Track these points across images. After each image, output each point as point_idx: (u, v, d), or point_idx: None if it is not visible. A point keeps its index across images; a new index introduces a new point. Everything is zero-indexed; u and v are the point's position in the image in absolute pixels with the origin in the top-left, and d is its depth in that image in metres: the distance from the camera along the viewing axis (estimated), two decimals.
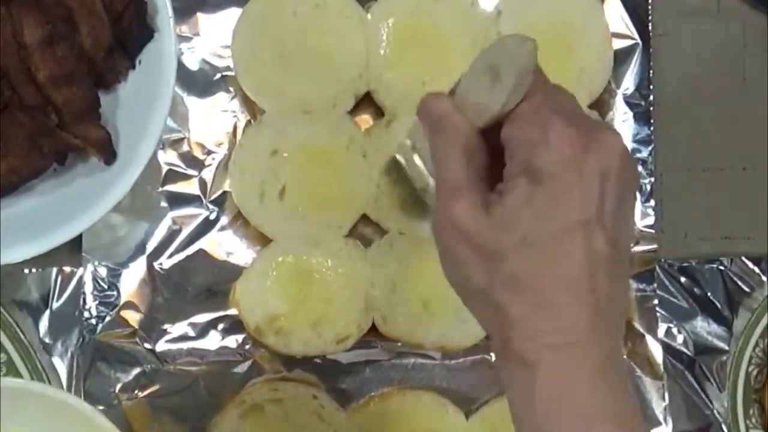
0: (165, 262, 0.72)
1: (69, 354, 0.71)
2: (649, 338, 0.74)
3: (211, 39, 0.73)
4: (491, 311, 0.49)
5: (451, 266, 0.51)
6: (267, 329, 0.70)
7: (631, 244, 0.51)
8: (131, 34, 0.66)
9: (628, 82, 0.74)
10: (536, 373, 0.47)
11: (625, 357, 0.74)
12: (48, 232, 0.65)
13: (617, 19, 0.74)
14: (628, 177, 0.50)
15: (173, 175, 0.72)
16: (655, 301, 0.74)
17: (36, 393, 0.63)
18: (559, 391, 0.47)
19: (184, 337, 0.71)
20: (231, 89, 0.73)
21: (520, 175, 0.49)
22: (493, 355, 0.73)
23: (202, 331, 0.72)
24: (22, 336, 0.70)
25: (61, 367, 0.70)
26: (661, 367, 0.73)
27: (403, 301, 0.71)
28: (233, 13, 0.72)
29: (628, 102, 0.74)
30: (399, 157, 0.66)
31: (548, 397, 0.47)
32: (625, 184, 0.49)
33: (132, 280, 0.71)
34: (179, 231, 0.72)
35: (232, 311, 0.72)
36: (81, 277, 0.71)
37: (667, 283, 0.75)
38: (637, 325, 0.74)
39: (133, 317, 0.71)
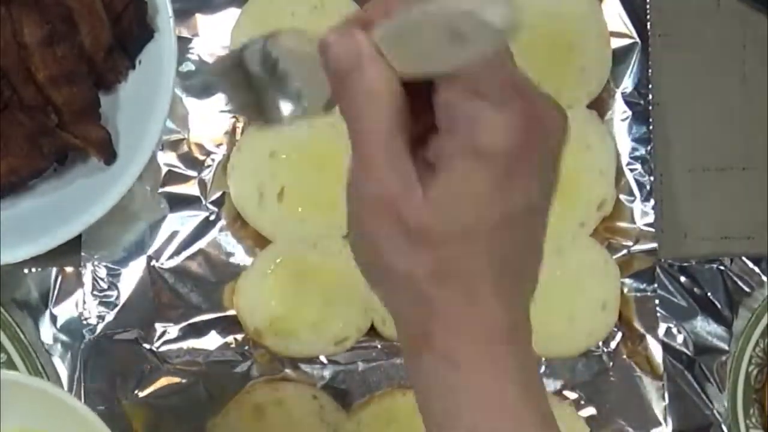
0: (165, 263, 0.72)
1: (69, 354, 0.71)
2: (649, 338, 0.73)
3: (210, 40, 0.73)
4: (411, 300, 0.43)
5: (367, 246, 0.44)
6: (266, 330, 0.70)
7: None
8: (131, 34, 0.66)
9: (627, 82, 0.74)
10: (461, 372, 0.43)
11: (624, 357, 0.74)
12: (48, 232, 0.65)
13: (616, 18, 0.74)
14: (562, 150, 0.44)
15: (173, 176, 0.72)
16: (656, 301, 0.74)
17: (34, 388, 0.63)
18: (481, 392, 0.43)
19: (184, 337, 0.71)
20: None
21: (462, 152, 0.41)
22: None
23: (202, 331, 0.72)
24: (22, 336, 0.70)
25: (61, 367, 0.71)
26: (661, 367, 0.73)
27: None
28: (232, 14, 0.72)
29: (627, 101, 0.74)
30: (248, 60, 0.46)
31: (470, 397, 0.43)
32: (560, 159, 0.44)
33: (132, 280, 0.71)
34: (179, 231, 0.72)
35: (232, 311, 0.72)
36: (81, 277, 0.71)
37: (667, 283, 0.74)
38: (637, 325, 0.74)
39: (133, 317, 0.71)
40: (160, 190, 0.72)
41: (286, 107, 0.44)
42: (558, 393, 0.73)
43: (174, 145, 0.72)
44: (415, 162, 0.42)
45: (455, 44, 0.39)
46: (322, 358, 0.72)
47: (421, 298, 0.43)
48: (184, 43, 0.72)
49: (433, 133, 0.43)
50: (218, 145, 0.73)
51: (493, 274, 0.43)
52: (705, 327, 0.75)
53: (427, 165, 0.42)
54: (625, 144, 0.74)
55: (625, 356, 0.74)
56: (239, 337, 0.72)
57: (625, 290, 0.74)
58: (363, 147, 0.42)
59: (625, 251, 0.74)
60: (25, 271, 0.71)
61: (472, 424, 0.43)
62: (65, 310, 0.71)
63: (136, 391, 0.71)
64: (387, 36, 0.41)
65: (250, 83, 0.45)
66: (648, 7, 0.75)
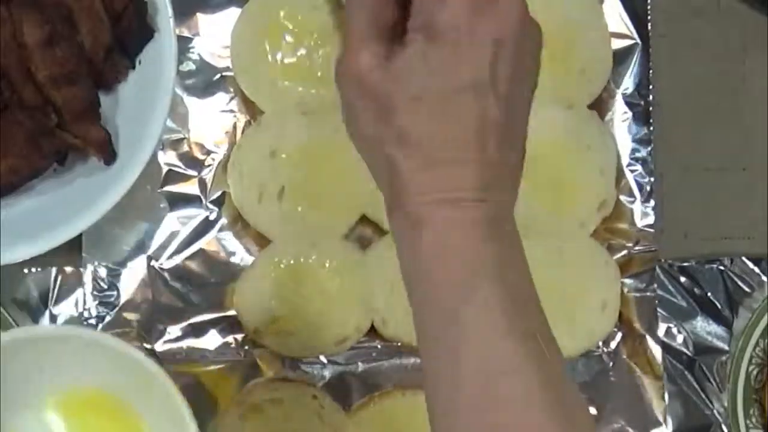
0: (165, 263, 0.72)
1: None
2: (649, 338, 0.74)
3: (211, 39, 0.73)
4: (383, 164, 0.50)
5: (349, 115, 0.52)
6: (266, 331, 0.70)
7: (527, 110, 0.52)
8: (131, 34, 0.66)
9: (628, 82, 0.74)
10: (423, 228, 0.48)
11: (624, 357, 0.74)
12: (48, 232, 0.65)
13: (616, 18, 0.74)
14: (527, 44, 0.50)
15: (173, 176, 0.72)
16: (656, 301, 0.74)
17: (108, 346, 0.62)
18: (444, 246, 0.48)
19: (184, 337, 0.71)
20: (230, 89, 0.73)
21: (419, 30, 0.49)
22: None
23: (202, 331, 0.72)
24: None
25: None
26: (661, 367, 0.73)
27: (402, 302, 0.70)
28: (233, 14, 0.72)
29: (628, 102, 0.74)
30: None
31: (434, 251, 0.48)
32: (522, 52, 0.50)
33: (132, 280, 0.71)
34: (179, 231, 0.72)
35: (232, 311, 0.72)
36: (81, 277, 0.71)
37: (667, 283, 0.75)
38: (637, 325, 0.74)
39: (133, 317, 0.71)
40: (160, 189, 0.72)
41: None
42: None
43: (174, 145, 0.72)
44: (396, 46, 0.50)
45: None
46: (322, 358, 0.72)
47: (389, 161, 0.49)
48: (184, 43, 0.72)
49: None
50: (218, 145, 0.73)
51: (449, 139, 0.48)
52: (705, 327, 0.75)
53: (393, 52, 0.50)
54: (625, 144, 0.74)
55: (625, 356, 0.74)
56: (239, 337, 0.72)
57: (625, 290, 0.74)
58: (348, 31, 0.51)
59: (625, 251, 0.74)
60: (25, 271, 0.71)
61: (429, 279, 0.48)
62: (65, 310, 0.71)
63: None
64: None
65: None
66: (648, 7, 0.74)
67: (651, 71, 0.75)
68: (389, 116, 0.49)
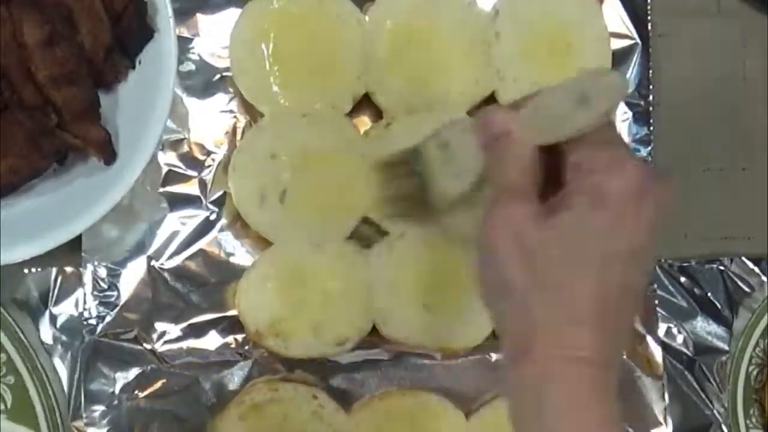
0: (165, 263, 0.72)
1: (69, 354, 0.71)
2: (649, 338, 0.74)
3: (211, 40, 0.73)
4: (520, 314, 0.51)
5: (491, 264, 0.52)
6: (267, 332, 0.70)
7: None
8: (131, 34, 0.66)
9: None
10: (552, 383, 0.49)
11: (624, 357, 0.74)
12: (48, 232, 0.65)
13: (616, 18, 0.74)
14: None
15: (173, 176, 0.72)
16: (655, 301, 0.74)
17: None
18: (573, 403, 0.49)
19: (184, 337, 0.71)
20: (230, 90, 0.73)
21: (584, 194, 0.50)
22: (493, 354, 0.73)
23: (202, 331, 0.72)
24: (22, 336, 0.70)
25: (61, 367, 0.71)
26: (661, 367, 0.73)
27: (403, 303, 0.71)
28: (232, 14, 0.72)
29: (628, 102, 0.74)
30: (426, 149, 0.58)
31: (563, 407, 0.49)
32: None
33: (132, 280, 0.71)
34: (179, 231, 0.72)
35: (232, 311, 0.72)
36: (81, 277, 0.71)
37: (667, 283, 0.75)
38: (637, 325, 0.74)
39: (133, 317, 0.71)
40: (161, 190, 0.72)
41: (452, 185, 0.55)
42: None
43: (174, 145, 0.72)
44: (542, 206, 0.51)
45: (581, 108, 0.50)
46: (323, 359, 0.72)
47: (528, 312, 0.50)
48: (184, 43, 0.72)
49: (552, 189, 0.52)
50: (219, 145, 0.73)
51: (594, 301, 0.49)
52: (705, 327, 0.75)
53: (548, 210, 0.51)
54: None
55: (625, 356, 0.74)
56: (239, 337, 0.72)
57: None
58: (501, 185, 0.52)
59: None
60: (25, 271, 0.71)
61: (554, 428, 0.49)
62: (65, 310, 0.71)
63: (136, 391, 0.71)
64: (527, 115, 0.52)
65: (411, 175, 0.56)
66: (648, 7, 0.75)
67: (651, 71, 0.75)
68: (538, 269, 0.50)
